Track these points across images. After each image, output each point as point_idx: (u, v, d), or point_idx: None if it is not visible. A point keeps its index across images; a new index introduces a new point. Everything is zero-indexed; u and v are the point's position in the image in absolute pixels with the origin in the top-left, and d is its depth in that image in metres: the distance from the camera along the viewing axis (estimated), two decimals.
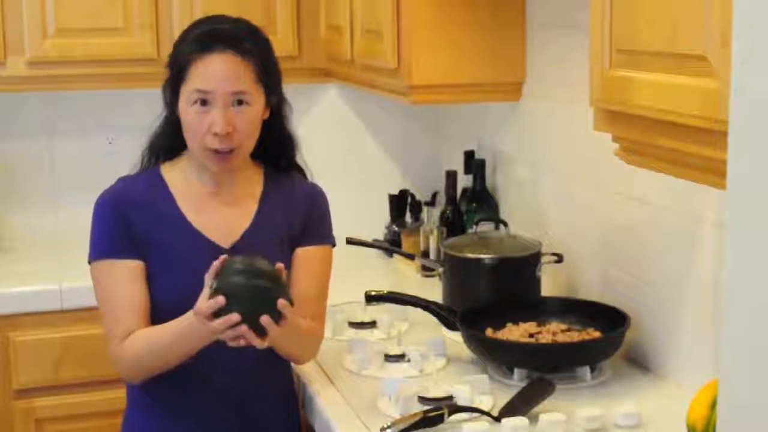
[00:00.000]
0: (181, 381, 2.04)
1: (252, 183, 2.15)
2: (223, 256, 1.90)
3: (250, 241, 2.08)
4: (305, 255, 2.14)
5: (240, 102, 2.01)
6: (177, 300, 1.98)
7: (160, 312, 2.02)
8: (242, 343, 1.88)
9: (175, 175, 2.12)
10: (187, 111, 2.01)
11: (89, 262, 2.07)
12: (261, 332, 1.88)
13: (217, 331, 1.87)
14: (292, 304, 1.91)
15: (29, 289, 2.91)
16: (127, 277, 2.03)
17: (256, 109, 2.04)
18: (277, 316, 1.88)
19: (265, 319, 1.86)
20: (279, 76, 2.12)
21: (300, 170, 2.22)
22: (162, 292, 2.04)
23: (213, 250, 2.03)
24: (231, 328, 1.86)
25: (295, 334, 2.00)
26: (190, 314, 1.91)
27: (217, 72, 1.99)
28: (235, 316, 1.85)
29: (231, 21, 2.08)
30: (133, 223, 2.04)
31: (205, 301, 1.86)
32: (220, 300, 1.85)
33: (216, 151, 2.01)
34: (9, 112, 3.30)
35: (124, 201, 2.07)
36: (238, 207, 2.12)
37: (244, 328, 1.86)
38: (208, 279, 1.88)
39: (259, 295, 1.88)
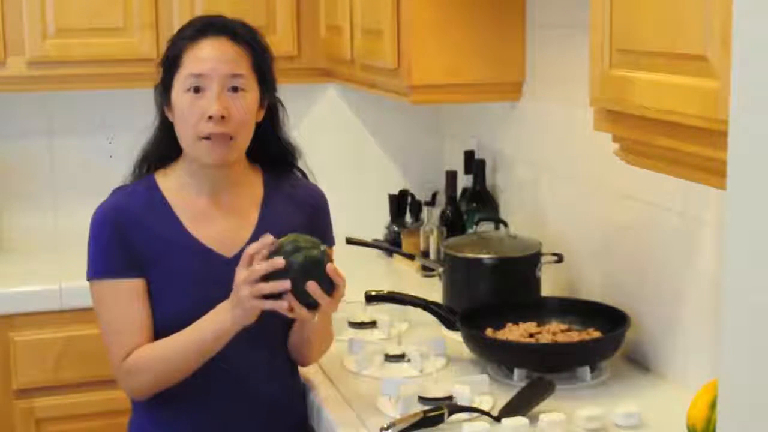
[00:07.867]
0: (187, 395, 1.99)
1: (251, 187, 2.10)
2: (268, 237, 1.85)
3: None
4: None
5: (235, 88, 1.96)
6: (180, 312, 1.95)
7: (163, 326, 1.97)
8: (288, 314, 1.84)
9: (171, 184, 2.05)
10: (181, 99, 1.96)
11: (88, 280, 2.01)
12: (312, 305, 1.84)
13: (262, 292, 1.81)
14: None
15: (29, 289, 2.91)
16: (129, 296, 1.97)
17: (252, 96, 2.00)
18: (329, 286, 1.84)
19: (312, 286, 1.81)
20: (274, 75, 2.08)
21: (300, 171, 2.18)
22: (165, 305, 1.98)
23: (215, 260, 2.00)
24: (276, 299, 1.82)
25: (329, 321, 2.05)
26: (212, 312, 1.90)
27: (211, 55, 1.96)
28: (286, 283, 1.80)
29: (227, 18, 2.05)
30: (132, 239, 1.98)
31: (262, 261, 1.82)
32: (279, 261, 1.80)
33: (210, 138, 1.95)
34: (9, 112, 3.30)
35: (122, 215, 2.00)
36: (239, 214, 2.06)
37: (293, 301, 1.81)
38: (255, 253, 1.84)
39: (310, 266, 1.82)
